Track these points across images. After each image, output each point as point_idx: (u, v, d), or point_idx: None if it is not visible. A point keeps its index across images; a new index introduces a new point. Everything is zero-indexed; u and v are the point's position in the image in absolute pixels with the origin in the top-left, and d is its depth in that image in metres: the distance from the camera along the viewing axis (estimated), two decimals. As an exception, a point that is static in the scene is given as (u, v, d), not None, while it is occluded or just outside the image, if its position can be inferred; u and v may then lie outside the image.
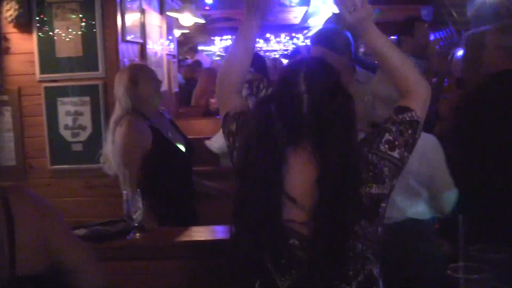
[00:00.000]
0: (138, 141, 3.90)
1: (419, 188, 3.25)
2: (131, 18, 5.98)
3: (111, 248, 3.31)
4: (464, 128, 3.74)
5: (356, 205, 2.08)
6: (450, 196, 3.26)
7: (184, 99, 9.52)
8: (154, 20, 7.12)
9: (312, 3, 15.27)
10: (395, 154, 2.16)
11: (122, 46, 5.61)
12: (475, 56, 4.09)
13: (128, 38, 5.81)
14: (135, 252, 3.37)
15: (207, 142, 5.56)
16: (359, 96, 3.70)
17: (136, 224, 3.29)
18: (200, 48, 14.62)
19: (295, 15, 15.34)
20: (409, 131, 2.19)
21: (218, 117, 7.54)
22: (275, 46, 18.23)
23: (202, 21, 8.30)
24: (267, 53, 18.94)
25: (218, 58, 19.21)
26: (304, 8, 15.26)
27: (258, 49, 17.82)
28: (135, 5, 6.21)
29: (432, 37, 15.14)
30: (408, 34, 5.31)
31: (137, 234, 3.32)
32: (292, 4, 15.33)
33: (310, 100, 2.11)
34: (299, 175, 2.14)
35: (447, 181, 3.29)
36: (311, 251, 2.07)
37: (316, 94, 2.12)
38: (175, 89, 8.38)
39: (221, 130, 5.33)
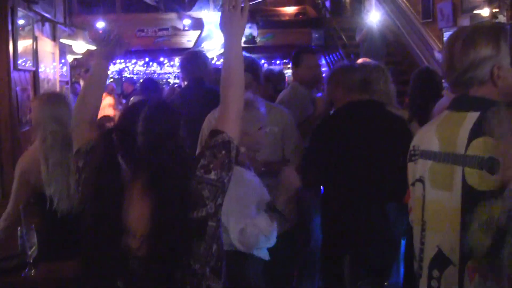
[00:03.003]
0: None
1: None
2: (23, 45, 5.92)
3: (5, 284, 3.28)
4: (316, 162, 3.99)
5: (183, 231, 2.22)
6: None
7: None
8: (47, 46, 7.06)
9: (205, 27, 15.48)
10: (212, 176, 2.31)
11: (14, 75, 5.55)
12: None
13: (20, 66, 5.74)
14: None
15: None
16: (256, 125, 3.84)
17: (31, 260, 3.27)
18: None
19: (188, 38, 15.48)
20: (223, 152, 2.36)
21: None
22: (169, 69, 18.31)
23: (95, 47, 8.27)
24: (160, 76, 18.98)
25: (112, 80, 19.12)
26: (198, 32, 15.45)
27: (152, 71, 17.83)
28: (28, 32, 6.14)
29: (323, 61, 15.67)
30: (295, 64, 5.50)
31: (32, 270, 3.30)
32: (186, 28, 15.49)
33: (146, 140, 2.25)
34: (137, 206, 2.25)
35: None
36: (147, 273, 2.20)
37: (151, 136, 2.26)
38: (68, 115, 8.30)
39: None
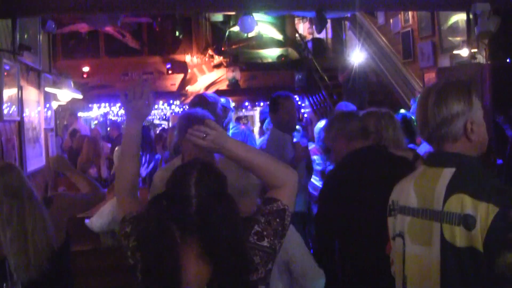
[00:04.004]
0: None
1: (277, 277, 3.33)
2: (8, 95, 5.92)
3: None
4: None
5: None
6: (317, 284, 3.40)
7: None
8: (31, 95, 7.07)
9: (189, 70, 15.60)
10: (265, 243, 2.37)
11: (-1, 126, 5.57)
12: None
13: (5, 116, 5.75)
14: None
15: (88, 222, 5.56)
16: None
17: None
18: (78, 114, 14.50)
19: (172, 82, 15.58)
20: (277, 220, 2.42)
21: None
22: (153, 112, 18.31)
23: (79, 96, 8.31)
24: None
25: (96, 123, 19.14)
26: (181, 75, 15.56)
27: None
28: (13, 81, 6.16)
29: (306, 102, 15.79)
30: (273, 110, 5.60)
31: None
32: (169, 72, 15.61)
33: (199, 203, 2.25)
34: (194, 268, 2.27)
35: (308, 265, 3.44)
36: None
37: (204, 198, 2.26)
38: (54, 163, 8.29)
39: (101, 209, 5.37)
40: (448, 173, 2.41)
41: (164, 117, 19.88)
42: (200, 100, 5.08)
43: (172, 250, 2.24)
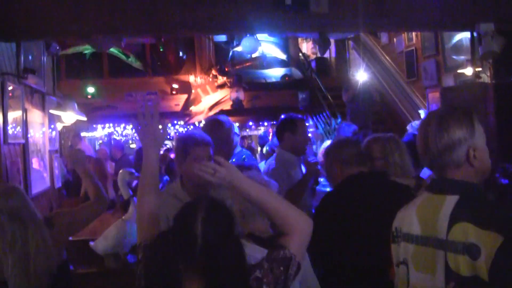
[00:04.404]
0: None
1: None
2: (13, 117, 5.93)
3: None
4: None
5: None
6: None
7: (72, 191, 9.46)
8: (36, 117, 7.08)
9: (193, 90, 15.61)
10: None
11: (4, 148, 5.56)
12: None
13: (10, 139, 5.75)
14: None
15: (92, 244, 5.54)
16: None
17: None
18: (82, 134, 14.50)
19: (176, 102, 15.58)
20: (281, 268, 2.37)
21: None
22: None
23: (84, 118, 8.31)
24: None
25: (100, 142, 19.17)
26: (185, 96, 15.56)
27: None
28: (17, 104, 6.17)
29: (310, 122, 15.77)
30: (290, 131, 5.53)
31: None
32: (173, 92, 15.60)
33: (204, 242, 2.24)
34: None
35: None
36: None
37: (210, 238, 2.25)
38: (58, 184, 8.29)
39: (106, 232, 5.35)
40: (451, 200, 2.39)
41: (168, 136, 19.98)
42: (215, 124, 5.05)
43: (175, 282, 2.25)
